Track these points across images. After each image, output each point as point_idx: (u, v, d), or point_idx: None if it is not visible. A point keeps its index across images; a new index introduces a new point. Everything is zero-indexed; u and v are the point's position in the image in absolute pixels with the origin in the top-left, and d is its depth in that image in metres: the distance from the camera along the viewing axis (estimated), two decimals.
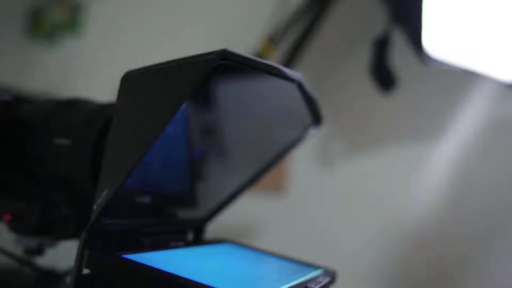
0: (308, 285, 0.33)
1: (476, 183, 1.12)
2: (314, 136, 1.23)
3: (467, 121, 1.10)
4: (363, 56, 0.92)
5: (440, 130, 1.14)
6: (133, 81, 0.32)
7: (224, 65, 0.30)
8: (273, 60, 1.21)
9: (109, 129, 0.39)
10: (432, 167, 1.17)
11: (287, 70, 0.35)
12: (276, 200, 1.28)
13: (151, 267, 0.30)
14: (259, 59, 0.31)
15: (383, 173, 1.22)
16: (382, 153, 1.22)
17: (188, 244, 0.44)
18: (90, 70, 1.54)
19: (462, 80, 1.06)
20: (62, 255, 0.57)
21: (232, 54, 0.28)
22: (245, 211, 1.25)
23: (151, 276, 0.30)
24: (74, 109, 0.42)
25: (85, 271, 0.34)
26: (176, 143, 0.49)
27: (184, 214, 0.47)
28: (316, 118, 0.45)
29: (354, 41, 1.12)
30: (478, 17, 0.68)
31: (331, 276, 0.41)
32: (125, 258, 0.32)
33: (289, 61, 1.20)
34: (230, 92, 0.47)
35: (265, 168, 0.49)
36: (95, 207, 0.33)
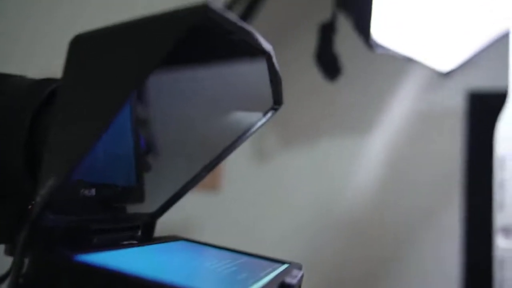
0: (286, 280, 0.30)
1: (406, 173, 1.15)
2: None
3: (401, 111, 1.13)
4: (306, 42, 0.91)
5: (373, 118, 1.16)
6: (85, 46, 0.26)
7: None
8: None
9: (47, 108, 0.33)
10: (365, 157, 1.19)
11: (261, 39, 0.32)
12: (212, 196, 1.24)
13: (111, 269, 0.25)
14: (238, 21, 0.27)
15: (317, 166, 1.22)
16: (316, 145, 1.22)
17: (141, 242, 0.39)
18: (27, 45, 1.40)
19: (400, 69, 1.08)
20: None
21: (215, 12, 0.24)
22: (182, 208, 1.20)
23: (112, 279, 0.25)
24: (4, 85, 0.35)
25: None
26: (120, 132, 0.43)
27: (132, 209, 0.42)
28: (277, 99, 0.42)
29: (297, 24, 1.11)
30: (421, 5, 0.69)
31: (299, 269, 0.38)
32: (78, 259, 0.26)
33: None
34: (185, 72, 0.43)
35: (219, 157, 0.45)
36: (38, 199, 0.27)
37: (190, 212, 1.24)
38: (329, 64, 0.72)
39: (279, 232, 1.21)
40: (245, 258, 0.41)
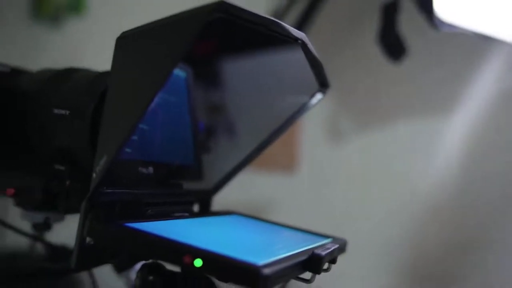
0: (315, 251, 0.32)
1: (490, 153, 1.10)
2: (325, 110, 1.21)
3: (483, 91, 1.07)
4: (373, 25, 0.90)
5: (453, 99, 1.12)
6: (127, 42, 0.31)
7: (225, 28, 0.28)
8: None
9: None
10: (445, 139, 1.15)
11: (290, 28, 0.34)
12: (289, 178, 1.26)
13: (152, 233, 0.29)
14: (260, 13, 0.30)
15: (395, 147, 1.20)
16: (394, 124, 1.20)
17: (193, 215, 0.43)
18: (95, 50, 1.53)
19: (475, 46, 1.03)
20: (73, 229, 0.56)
21: (230, 6, 0.27)
22: (258, 190, 1.25)
23: (151, 243, 0.29)
24: (72, 78, 0.40)
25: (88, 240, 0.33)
26: (180, 115, 0.47)
27: (189, 186, 0.46)
28: (322, 82, 0.44)
29: (362, 9, 1.09)
30: None
31: (341, 244, 0.40)
32: (126, 226, 0.31)
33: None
34: (232, 64, 0.46)
35: (270, 138, 0.47)
36: (94, 176, 0.32)
37: (267, 193, 1.28)
38: (392, 44, 0.71)
39: (355, 213, 1.21)
40: (291, 232, 0.44)
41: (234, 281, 0.26)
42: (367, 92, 1.20)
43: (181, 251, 0.27)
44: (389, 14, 0.69)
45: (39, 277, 0.48)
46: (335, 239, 0.41)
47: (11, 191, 0.41)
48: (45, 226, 0.45)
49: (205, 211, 0.46)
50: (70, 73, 0.42)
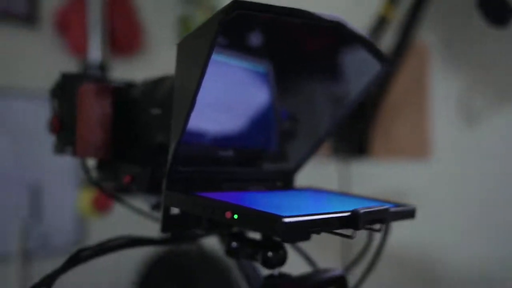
0: (356, 209, 0.35)
1: None
2: (457, 89, 1.15)
3: None
4: None
5: None
6: (181, 46, 0.38)
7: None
8: (395, 22, 1.18)
9: None
10: None
11: (321, 13, 0.37)
12: (423, 164, 1.23)
13: (205, 197, 0.36)
14: (276, 5, 0.34)
15: None
16: None
17: (268, 189, 0.49)
18: None
19: None
20: None
21: (243, 3, 0.32)
22: (394, 179, 1.24)
23: (203, 204, 0.35)
24: (163, 83, 0.49)
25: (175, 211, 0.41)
26: (262, 106, 0.54)
27: (271, 167, 0.52)
28: (378, 56, 0.46)
29: None
30: None
31: (400, 209, 0.42)
32: (192, 194, 0.38)
33: (412, 19, 1.16)
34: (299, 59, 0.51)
35: (341, 118, 0.51)
36: (169, 157, 0.40)
37: (398, 180, 1.26)
38: (494, 8, 0.67)
39: (487, 207, 1.13)
40: (361, 200, 0.46)
41: (261, 230, 0.31)
42: (499, 67, 1.12)
43: (224, 208, 0.33)
44: None
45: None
46: (400, 205, 0.43)
47: (128, 178, 0.51)
48: (159, 206, 0.55)
49: (287, 187, 0.52)
50: (164, 79, 0.51)
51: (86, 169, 0.55)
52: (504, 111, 1.14)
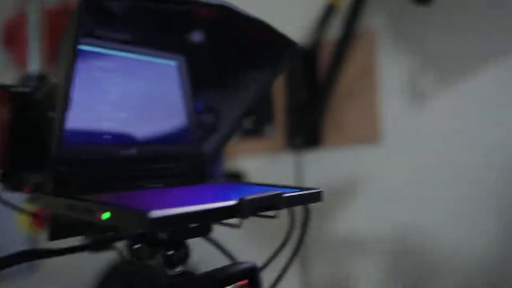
0: (244, 197, 0.34)
1: None
2: (404, 73, 1.14)
3: None
4: None
5: None
6: (60, 43, 0.36)
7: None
8: (343, 7, 1.17)
9: None
10: None
11: None
12: (374, 148, 1.23)
13: (77, 198, 0.34)
14: None
15: (483, 104, 1.10)
16: (479, 79, 1.10)
17: (170, 185, 0.46)
18: None
19: None
20: None
21: None
22: (345, 164, 1.23)
23: (74, 206, 0.34)
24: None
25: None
26: (172, 99, 0.52)
27: (184, 163, 0.50)
28: (280, 38, 0.45)
29: None
30: None
31: (314, 193, 0.41)
32: (71, 197, 0.36)
33: (358, 5, 1.16)
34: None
35: (251, 106, 0.50)
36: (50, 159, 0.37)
37: (353, 166, 1.26)
38: None
39: (441, 184, 1.14)
40: (271, 188, 0.45)
41: (132, 227, 0.29)
42: (446, 47, 1.12)
43: (94, 209, 0.31)
44: None
45: None
46: (309, 189, 0.42)
47: (30, 189, 0.49)
48: None
49: (199, 181, 0.50)
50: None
51: None
52: (447, 91, 1.14)
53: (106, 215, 0.30)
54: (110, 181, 0.42)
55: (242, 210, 0.33)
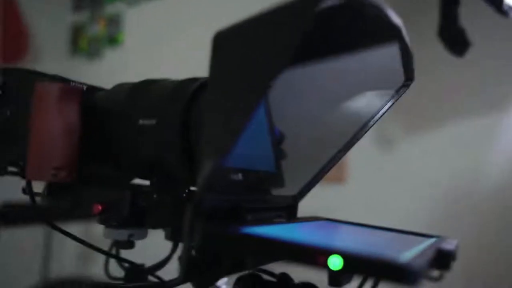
0: (443, 246, 0.30)
1: None
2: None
3: None
4: (422, 21, 0.87)
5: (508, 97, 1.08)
6: (226, 40, 0.29)
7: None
8: None
9: (194, 103, 0.36)
10: (502, 138, 1.11)
11: (392, 12, 0.32)
12: (339, 189, 1.24)
13: (277, 237, 0.27)
14: None
15: (445, 150, 1.16)
16: (443, 127, 1.16)
17: (289, 220, 0.41)
18: (133, 79, 1.56)
19: None
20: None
21: None
22: (312, 201, 1.22)
23: (281, 246, 0.27)
24: (152, 88, 0.39)
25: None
26: (257, 123, 0.46)
27: (275, 192, 0.44)
28: (410, 75, 0.42)
29: (416, 6, 1.06)
30: None
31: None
32: (241, 231, 0.29)
33: None
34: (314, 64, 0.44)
35: (352, 140, 0.45)
36: (200, 182, 0.30)
37: (319, 204, 1.25)
38: (455, 39, 0.68)
39: (408, 220, 1.17)
40: (393, 233, 0.41)
41: (382, 278, 0.23)
42: (412, 93, 1.16)
43: (316, 252, 0.25)
44: (450, 7, 0.66)
45: None
46: (442, 237, 0.38)
47: (98, 207, 0.39)
48: (129, 243, 0.43)
49: (293, 216, 0.44)
50: (148, 84, 0.40)
51: (32, 196, 0.41)
52: (413, 138, 1.19)
53: (336, 262, 0.24)
54: (236, 211, 0.35)
55: (449, 261, 0.29)
